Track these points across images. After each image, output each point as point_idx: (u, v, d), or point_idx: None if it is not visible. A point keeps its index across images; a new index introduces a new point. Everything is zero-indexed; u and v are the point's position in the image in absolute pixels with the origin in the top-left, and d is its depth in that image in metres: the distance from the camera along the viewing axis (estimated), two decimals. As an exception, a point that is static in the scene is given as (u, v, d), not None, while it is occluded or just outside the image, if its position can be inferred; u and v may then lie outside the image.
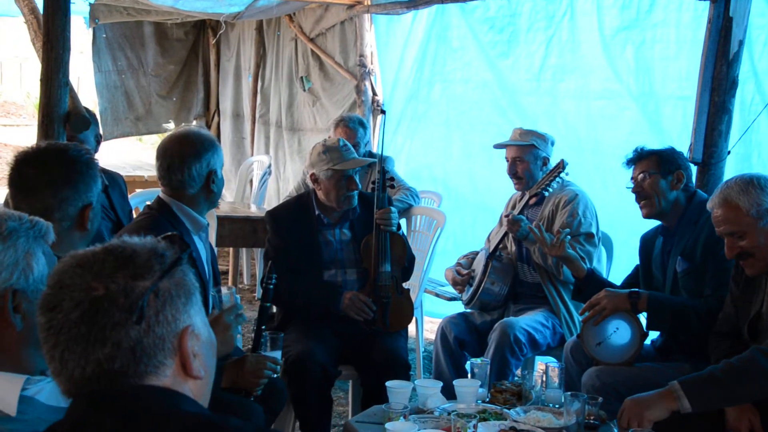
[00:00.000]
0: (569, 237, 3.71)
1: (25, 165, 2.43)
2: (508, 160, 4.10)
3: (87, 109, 4.09)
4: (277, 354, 3.09)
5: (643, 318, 3.35)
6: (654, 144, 3.58)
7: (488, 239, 4.34)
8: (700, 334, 3.20)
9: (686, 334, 3.30)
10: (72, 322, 1.23)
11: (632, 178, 3.47)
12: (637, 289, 3.36)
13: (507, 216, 3.99)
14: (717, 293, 3.17)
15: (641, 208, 3.45)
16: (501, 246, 4.11)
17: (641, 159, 3.45)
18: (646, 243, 3.58)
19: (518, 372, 3.91)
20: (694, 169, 3.70)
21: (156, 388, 1.26)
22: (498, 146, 4.17)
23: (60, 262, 1.31)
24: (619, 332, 3.33)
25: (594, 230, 3.94)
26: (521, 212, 4.12)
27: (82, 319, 1.23)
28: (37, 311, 1.28)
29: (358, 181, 3.79)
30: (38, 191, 2.35)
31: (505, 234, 4.08)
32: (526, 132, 4.11)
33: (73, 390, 1.26)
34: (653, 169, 3.39)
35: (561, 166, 3.88)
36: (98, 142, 4.11)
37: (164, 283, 1.27)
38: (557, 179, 3.92)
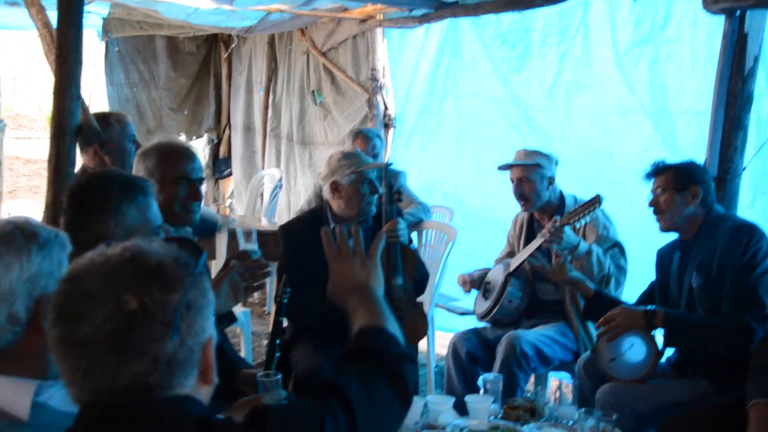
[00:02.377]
0: (570, 258, 3.67)
1: None
2: (513, 181, 4.07)
3: (118, 114, 4.09)
4: (255, 246, 3.15)
5: (659, 335, 3.31)
6: (668, 160, 3.56)
7: (496, 261, 4.31)
8: (718, 352, 3.17)
9: (704, 353, 3.26)
10: (104, 334, 1.22)
11: (651, 192, 3.45)
12: (653, 307, 3.33)
13: (549, 227, 3.82)
14: (735, 310, 3.14)
15: (657, 221, 3.44)
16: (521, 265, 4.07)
17: (659, 173, 3.43)
18: (663, 257, 3.55)
19: (528, 386, 3.88)
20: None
21: (179, 398, 1.27)
22: (503, 168, 4.14)
23: (78, 269, 1.29)
24: (633, 349, 3.30)
25: (619, 237, 3.92)
26: (534, 232, 4.09)
27: (116, 333, 1.22)
28: (51, 319, 1.27)
29: (378, 186, 3.77)
30: None
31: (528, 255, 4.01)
32: (530, 152, 4.08)
33: (95, 400, 1.25)
34: (669, 185, 3.37)
35: (597, 201, 3.76)
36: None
37: (192, 294, 1.28)
38: (591, 214, 3.79)
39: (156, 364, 1.23)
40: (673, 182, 3.37)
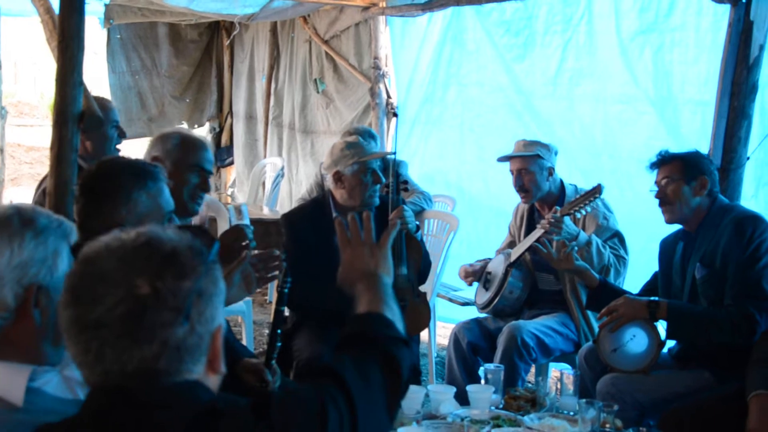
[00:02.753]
0: (576, 247, 3.66)
1: None
2: (513, 173, 4.05)
3: (101, 99, 4.07)
4: (247, 221, 3.24)
5: (661, 326, 3.30)
6: (672, 149, 3.54)
7: (497, 252, 4.31)
8: (720, 343, 3.16)
9: (706, 344, 3.25)
10: (116, 317, 1.24)
11: (656, 182, 3.41)
12: (656, 298, 3.32)
13: (548, 217, 3.81)
14: (738, 302, 3.12)
15: (663, 213, 3.40)
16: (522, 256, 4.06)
17: (665, 163, 3.39)
18: (667, 248, 3.53)
19: (529, 377, 3.88)
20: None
21: (188, 384, 1.28)
22: (502, 159, 4.13)
23: (93, 252, 1.31)
24: (635, 340, 3.29)
25: (618, 227, 3.91)
26: (535, 222, 4.09)
27: (128, 316, 1.23)
28: (64, 300, 1.28)
29: (381, 176, 3.76)
30: None
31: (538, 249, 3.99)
32: (530, 143, 4.07)
33: (105, 383, 1.26)
34: (676, 175, 3.33)
35: (598, 190, 3.75)
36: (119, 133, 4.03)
37: (204, 281, 1.29)
38: (592, 203, 3.78)
39: (165, 349, 1.25)
40: (681, 173, 3.33)
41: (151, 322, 1.24)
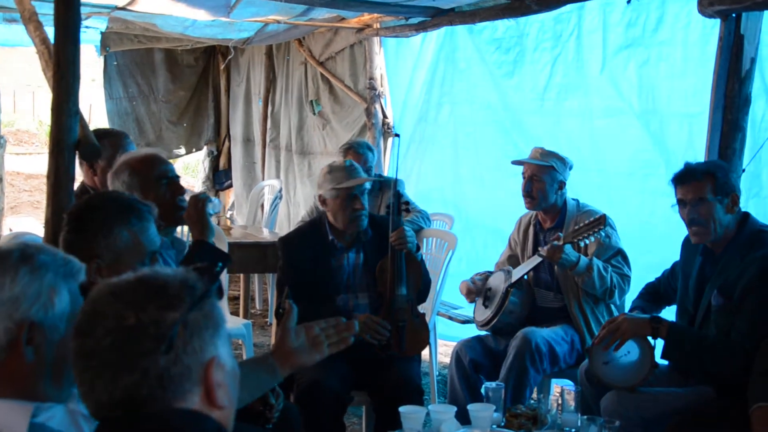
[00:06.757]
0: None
1: None
2: (524, 177, 4.05)
3: (116, 133, 4.13)
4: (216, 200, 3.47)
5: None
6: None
7: (497, 265, 4.31)
8: (715, 373, 3.06)
9: (700, 371, 3.16)
10: (103, 348, 1.27)
11: (679, 200, 3.21)
12: (658, 315, 3.24)
13: (548, 244, 3.82)
14: (745, 340, 2.94)
15: (692, 234, 3.20)
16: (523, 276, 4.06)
17: (694, 179, 3.15)
18: (688, 250, 3.35)
19: (533, 395, 3.87)
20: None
21: (182, 411, 1.28)
22: (516, 163, 4.14)
23: (95, 290, 1.34)
24: (629, 356, 3.24)
25: (621, 245, 3.90)
26: (537, 236, 4.09)
27: (112, 347, 1.27)
28: (72, 334, 1.32)
29: (365, 202, 3.76)
30: None
31: (538, 264, 4.01)
32: (547, 153, 4.06)
33: (100, 413, 1.29)
34: (710, 194, 3.11)
35: (602, 221, 3.69)
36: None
37: (193, 314, 1.31)
38: (596, 234, 3.74)
39: (146, 378, 1.26)
40: (714, 191, 3.11)
41: (132, 351, 1.26)
